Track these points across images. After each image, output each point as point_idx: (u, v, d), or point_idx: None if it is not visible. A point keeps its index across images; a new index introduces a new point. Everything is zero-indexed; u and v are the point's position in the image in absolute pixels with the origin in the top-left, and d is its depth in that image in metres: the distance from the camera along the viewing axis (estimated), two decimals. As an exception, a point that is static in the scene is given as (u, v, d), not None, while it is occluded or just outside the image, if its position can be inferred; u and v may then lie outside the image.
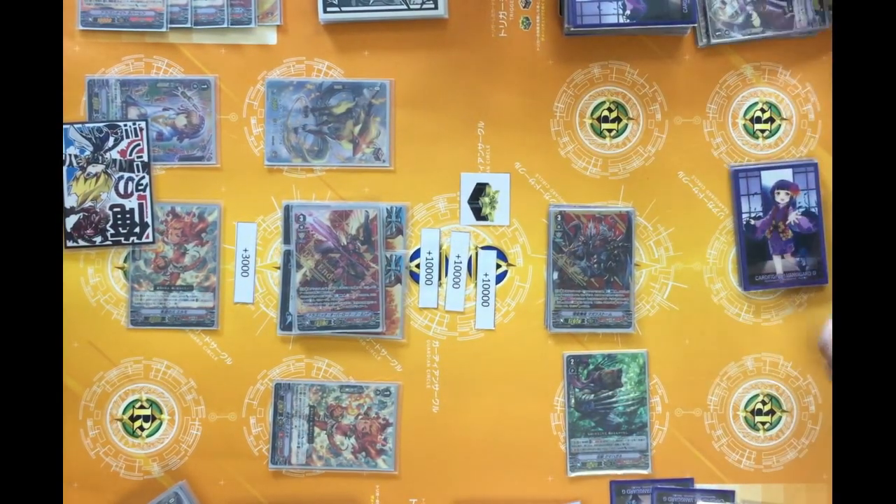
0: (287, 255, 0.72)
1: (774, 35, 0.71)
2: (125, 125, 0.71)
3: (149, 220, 0.72)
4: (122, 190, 0.72)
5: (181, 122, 0.73)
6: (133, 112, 0.72)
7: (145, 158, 0.72)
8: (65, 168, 0.71)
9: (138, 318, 0.73)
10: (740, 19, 0.71)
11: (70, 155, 0.71)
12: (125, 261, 0.73)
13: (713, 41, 0.71)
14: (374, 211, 0.71)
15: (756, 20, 0.71)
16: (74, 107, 0.72)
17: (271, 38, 0.73)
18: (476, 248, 0.73)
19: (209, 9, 0.72)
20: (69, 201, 0.71)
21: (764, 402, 0.74)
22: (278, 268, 0.73)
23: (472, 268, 0.73)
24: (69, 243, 0.72)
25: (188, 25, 0.72)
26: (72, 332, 0.72)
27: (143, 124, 0.71)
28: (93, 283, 0.73)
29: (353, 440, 0.72)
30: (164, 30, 0.72)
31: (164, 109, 0.72)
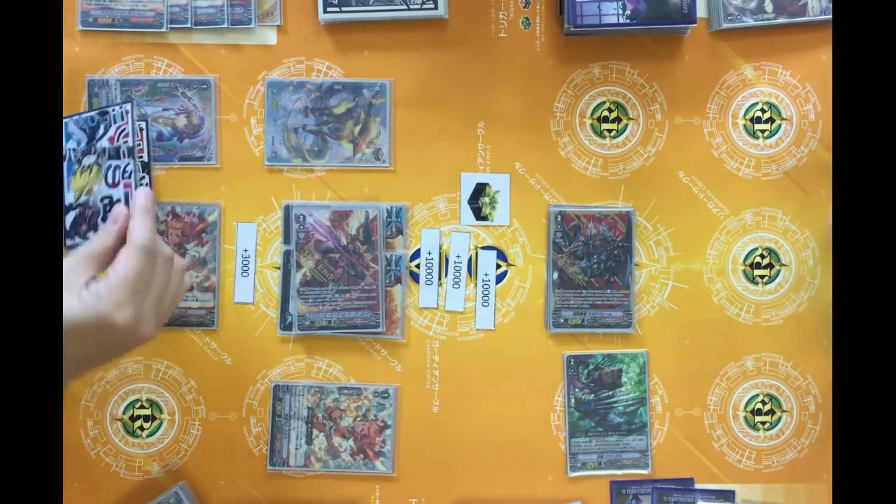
0: (287, 255, 0.72)
1: (787, 22, 0.71)
2: (112, 110, 0.67)
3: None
4: (110, 179, 0.68)
5: (181, 122, 0.73)
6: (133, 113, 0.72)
7: (130, 143, 0.67)
8: (65, 164, 0.69)
9: (138, 318, 0.72)
10: (753, 4, 0.70)
11: (69, 149, 0.69)
12: (125, 261, 0.72)
13: (725, 25, 0.71)
14: (374, 211, 0.71)
15: (769, 6, 0.70)
16: (74, 107, 0.72)
17: (271, 38, 0.73)
18: (476, 248, 0.73)
19: (209, 9, 0.72)
20: (68, 198, 0.69)
21: (764, 402, 0.74)
22: (278, 268, 0.73)
23: (472, 268, 0.73)
24: (68, 242, 0.70)
25: (188, 25, 0.72)
26: (72, 332, 0.72)
27: (128, 107, 0.67)
28: (93, 283, 0.73)
29: (351, 442, 0.72)
30: (164, 30, 0.72)
31: (164, 109, 0.72)
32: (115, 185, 0.66)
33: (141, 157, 0.68)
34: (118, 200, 0.66)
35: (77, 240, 0.68)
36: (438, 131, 0.73)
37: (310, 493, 0.73)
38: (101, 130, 0.67)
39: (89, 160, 0.67)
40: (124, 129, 0.66)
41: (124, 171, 0.66)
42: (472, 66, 0.73)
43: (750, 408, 0.74)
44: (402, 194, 0.73)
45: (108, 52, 0.72)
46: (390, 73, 0.73)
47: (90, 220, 0.67)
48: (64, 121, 0.69)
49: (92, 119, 0.68)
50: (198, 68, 0.73)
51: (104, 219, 0.66)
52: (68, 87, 0.72)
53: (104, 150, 0.66)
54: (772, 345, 0.73)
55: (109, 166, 0.66)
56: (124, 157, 0.66)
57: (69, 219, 0.69)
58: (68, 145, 0.69)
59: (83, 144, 0.68)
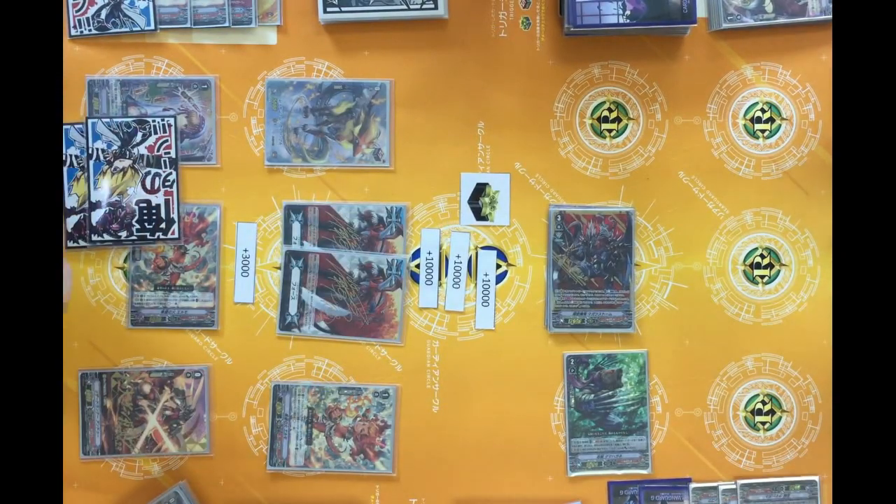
0: (287, 255, 0.72)
1: (787, 22, 0.71)
2: (153, 120, 0.71)
3: (175, 216, 0.72)
4: (148, 185, 0.71)
5: (181, 122, 0.73)
6: (133, 112, 0.72)
7: (173, 155, 0.71)
8: (91, 162, 0.71)
9: (138, 318, 0.73)
10: (753, 4, 0.70)
11: (97, 149, 0.71)
12: (125, 261, 0.73)
13: (724, 26, 0.71)
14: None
15: (769, 6, 0.70)
16: (74, 107, 0.72)
17: (271, 38, 0.73)
18: (476, 248, 0.73)
19: (210, 8, 0.72)
20: (95, 196, 0.71)
21: (764, 402, 0.74)
22: (278, 268, 0.73)
23: (472, 268, 0.73)
24: (94, 238, 0.71)
25: (188, 25, 0.72)
26: (72, 332, 0.72)
27: (171, 120, 0.71)
28: (93, 283, 0.73)
29: (351, 442, 0.72)
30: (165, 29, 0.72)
31: (165, 110, 0.72)
32: (154, 191, 0.70)
33: (168, 153, 0.71)
34: (157, 205, 0.70)
35: (105, 237, 0.71)
36: (438, 131, 0.73)
37: (310, 493, 0.73)
38: (139, 137, 0.71)
39: (123, 163, 0.70)
40: (166, 141, 0.70)
41: (165, 180, 0.70)
42: (472, 66, 0.73)
43: (750, 408, 0.74)
44: (402, 194, 0.73)
45: (108, 52, 0.73)
46: (390, 73, 0.73)
47: (122, 220, 0.71)
48: (90, 121, 0.71)
49: (128, 125, 0.70)
50: (198, 68, 0.73)
51: (139, 220, 0.70)
52: (68, 87, 0.72)
53: (142, 156, 0.70)
54: (772, 345, 0.73)
55: (148, 173, 0.70)
56: (166, 167, 0.70)
57: (97, 216, 0.71)
58: (94, 145, 0.71)
59: (114, 147, 0.71)
